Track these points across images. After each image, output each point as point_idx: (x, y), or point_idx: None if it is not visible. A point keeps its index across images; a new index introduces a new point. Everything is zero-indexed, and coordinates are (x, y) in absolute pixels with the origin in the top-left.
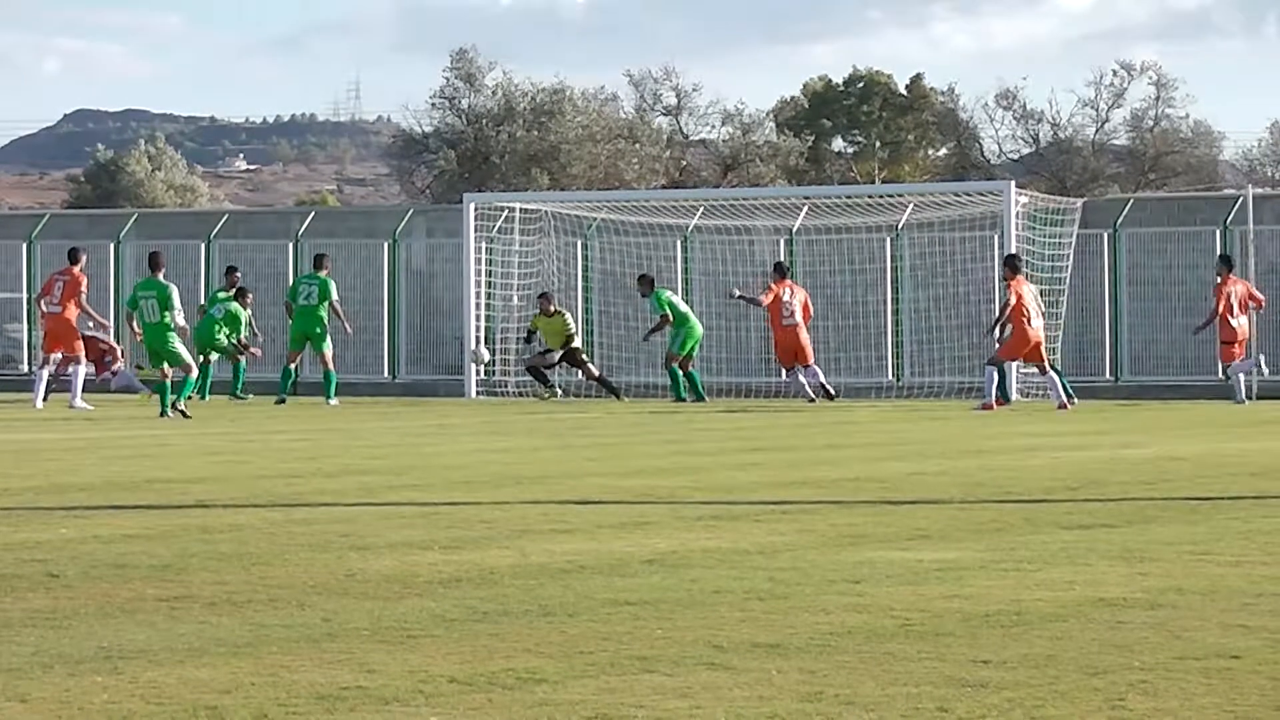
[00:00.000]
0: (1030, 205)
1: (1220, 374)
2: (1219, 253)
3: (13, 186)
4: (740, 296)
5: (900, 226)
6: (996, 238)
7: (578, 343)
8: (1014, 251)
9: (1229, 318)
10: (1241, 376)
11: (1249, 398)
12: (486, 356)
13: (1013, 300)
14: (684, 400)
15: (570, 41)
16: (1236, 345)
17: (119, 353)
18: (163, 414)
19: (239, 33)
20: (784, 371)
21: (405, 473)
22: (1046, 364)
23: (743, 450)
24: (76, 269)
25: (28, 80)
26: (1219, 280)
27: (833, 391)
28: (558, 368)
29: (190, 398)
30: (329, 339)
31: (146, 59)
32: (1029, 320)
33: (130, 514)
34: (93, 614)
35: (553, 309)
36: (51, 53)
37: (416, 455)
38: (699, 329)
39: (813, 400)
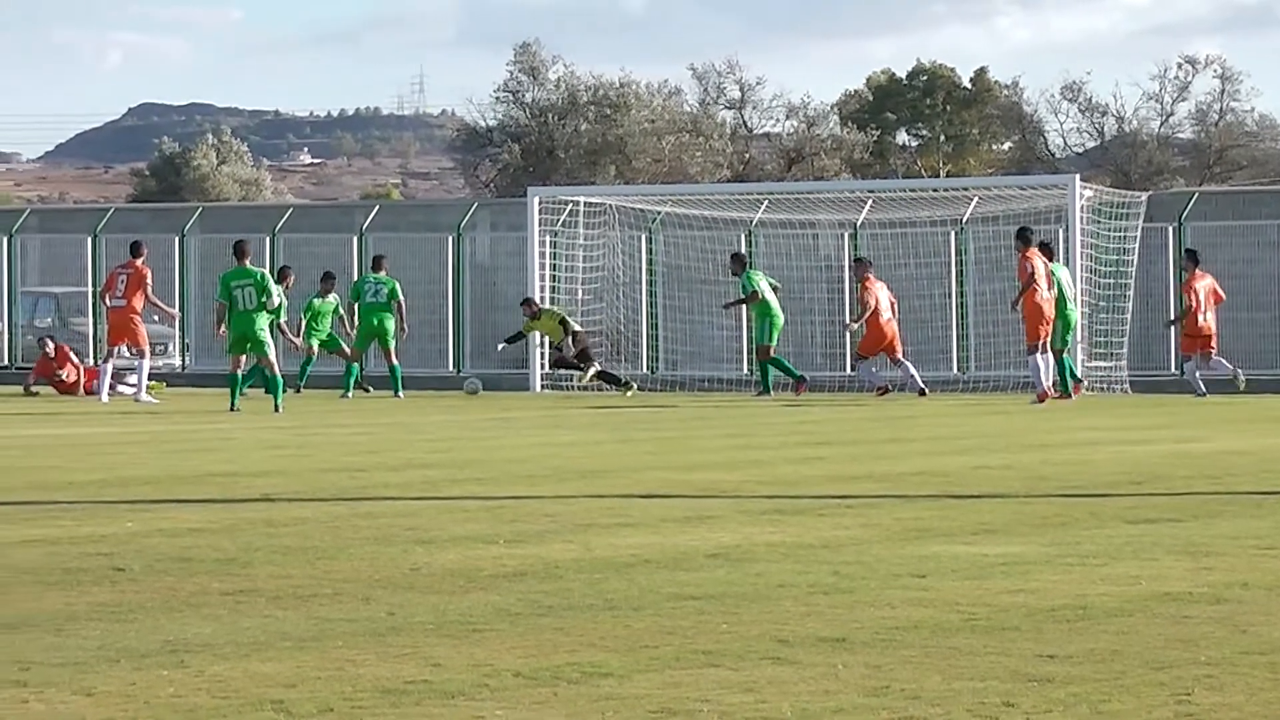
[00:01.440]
0: (1095, 199)
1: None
2: (1185, 247)
3: (77, 180)
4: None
5: (965, 220)
6: (1061, 231)
7: (578, 326)
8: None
9: (1198, 314)
10: (1197, 373)
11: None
12: (479, 387)
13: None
14: (768, 394)
15: (633, 35)
16: (1199, 340)
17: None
18: (232, 408)
19: (302, 26)
20: (862, 362)
21: (469, 466)
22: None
23: (806, 444)
24: (139, 262)
25: (91, 74)
26: (1187, 276)
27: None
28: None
29: (244, 393)
30: (394, 335)
31: (209, 52)
32: (1039, 294)
33: (194, 508)
34: (157, 608)
35: (536, 309)
36: (114, 47)
37: (480, 449)
38: (781, 317)
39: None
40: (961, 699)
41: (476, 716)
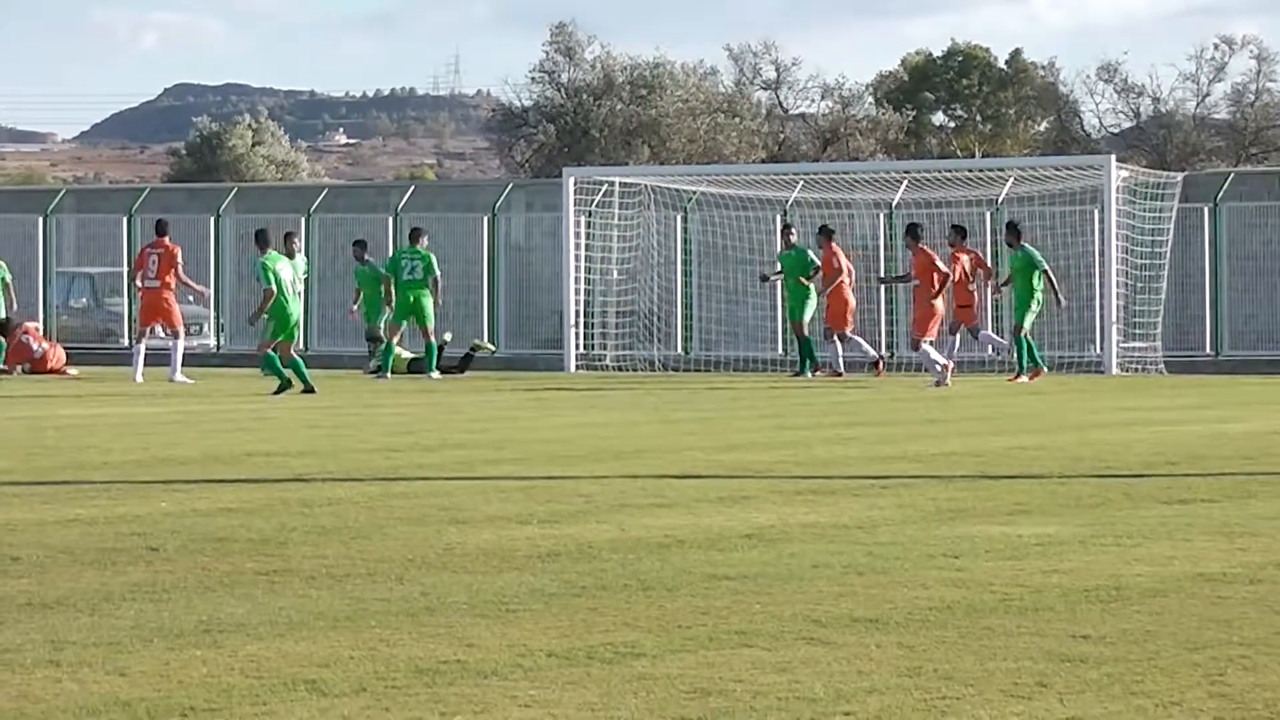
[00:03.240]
0: (1131, 179)
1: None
2: (953, 223)
3: (112, 161)
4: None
5: (1000, 200)
6: (1097, 212)
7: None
8: (1112, 225)
9: (966, 285)
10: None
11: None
12: (448, 336)
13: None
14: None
15: (668, 16)
16: (973, 309)
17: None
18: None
19: (338, 6)
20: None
21: (504, 447)
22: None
23: (840, 425)
24: (168, 240)
25: (126, 54)
26: (952, 249)
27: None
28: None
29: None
30: (432, 312)
31: (245, 32)
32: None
33: (229, 488)
34: (192, 588)
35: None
36: (150, 26)
37: (515, 429)
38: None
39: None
40: (995, 679)
41: (510, 696)
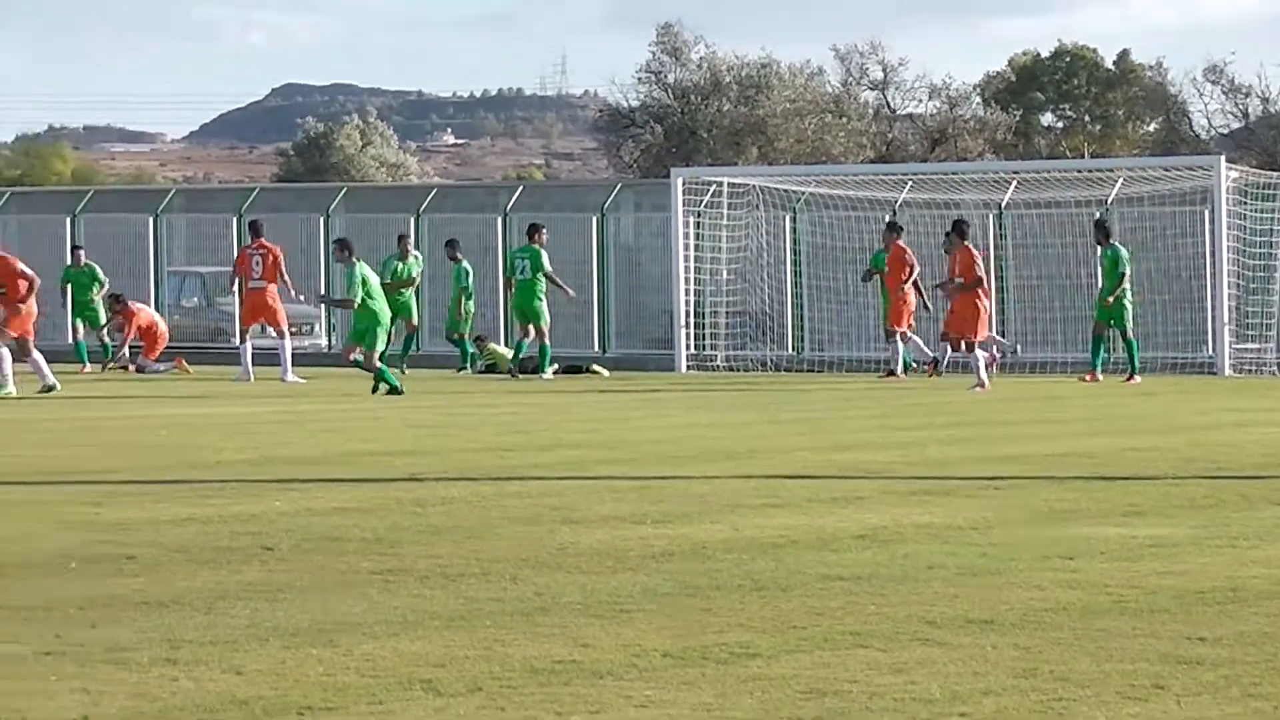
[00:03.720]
0: (1240, 180)
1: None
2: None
3: (221, 160)
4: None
5: (1109, 201)
6: (1206, 213)
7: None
8: (1222, 224)
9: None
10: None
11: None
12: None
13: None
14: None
15: (775, 16)
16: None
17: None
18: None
19: (445, 7)
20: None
21: (616, 447)
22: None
23: (952, 425)
24: (265, 240)
25: (234, 54)
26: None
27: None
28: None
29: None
30: (546, 312)
31: (352, 32)
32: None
33: (343, 487)
34: (307, 587)
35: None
36: (257, 26)
37: (627, 429)
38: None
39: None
40: (1111, 681)
41: (624, 696)
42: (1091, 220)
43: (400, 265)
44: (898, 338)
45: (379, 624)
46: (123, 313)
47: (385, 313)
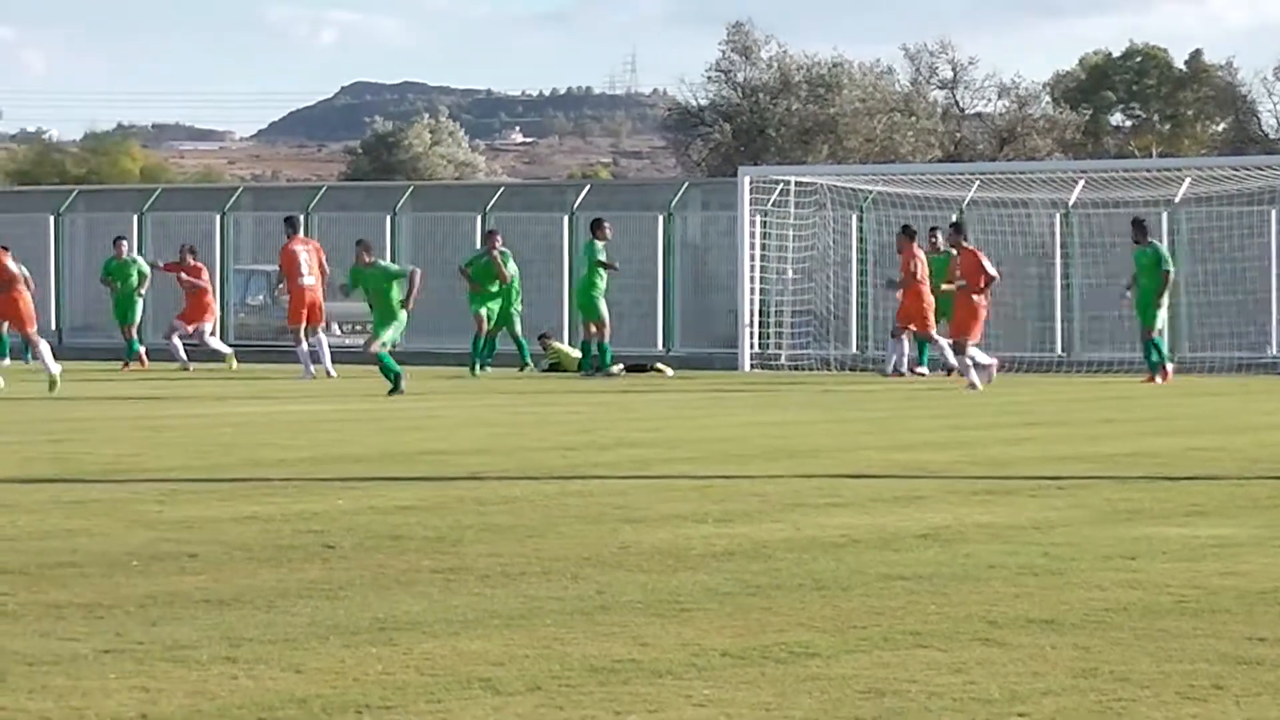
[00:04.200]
0: None
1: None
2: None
3: (290, 158)
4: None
5: (1178, 200)
6: (1274, 212)
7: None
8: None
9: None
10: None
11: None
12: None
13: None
14: None
15: (844, 15)
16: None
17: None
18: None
19: (513, 5)
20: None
21: (678, 445)
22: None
23: (1015, 425)
24: (304, 235)
25: (304, 53)
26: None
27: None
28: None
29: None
30: (604, 308)
31: (421, 31)
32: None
33: (405, 485)
34: (368, 585)
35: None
36: (327, 25)
37: (690, 428)
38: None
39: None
40: (1171, 681)
41: (685, 695)
42: (1130, 220)
43: (486, 260)
44: (902, 337)
45: (439, 623)
46: (194, 267)
47: (401, 313)
